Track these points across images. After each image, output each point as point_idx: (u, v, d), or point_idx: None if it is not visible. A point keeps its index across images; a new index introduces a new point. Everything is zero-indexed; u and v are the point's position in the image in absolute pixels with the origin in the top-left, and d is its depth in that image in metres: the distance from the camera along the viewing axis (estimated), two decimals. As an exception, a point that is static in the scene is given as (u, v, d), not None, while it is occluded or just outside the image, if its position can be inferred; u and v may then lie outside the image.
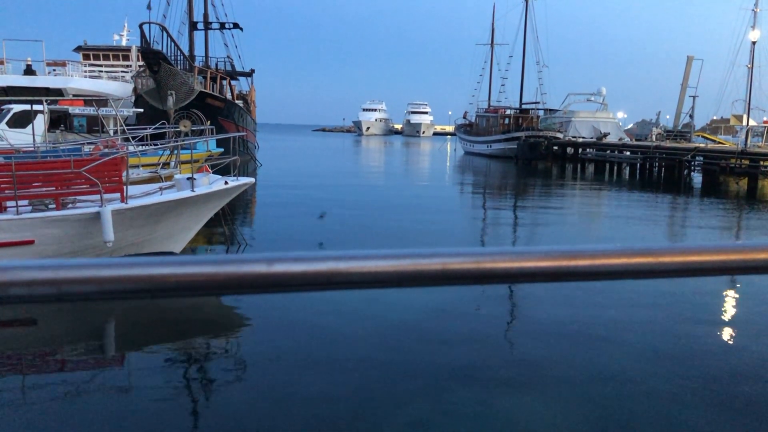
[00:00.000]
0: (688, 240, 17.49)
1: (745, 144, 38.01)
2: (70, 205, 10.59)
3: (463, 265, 0.78)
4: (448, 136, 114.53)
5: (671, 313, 9.71)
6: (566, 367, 7.38)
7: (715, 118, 74.55)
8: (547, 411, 6.26)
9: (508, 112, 65.67)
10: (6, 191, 9.84)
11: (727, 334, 9.28)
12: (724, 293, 11.26)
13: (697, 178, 36.70)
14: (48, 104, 20.51)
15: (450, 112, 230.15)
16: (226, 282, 0.71)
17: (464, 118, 79.80)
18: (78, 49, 47.00)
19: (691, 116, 65.75)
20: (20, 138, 18.33)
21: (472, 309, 9.69)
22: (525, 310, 10.10)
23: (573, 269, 0.81)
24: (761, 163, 31.37)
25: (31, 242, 9.78)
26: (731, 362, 7.77)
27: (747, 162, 32.16)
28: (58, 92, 33.21)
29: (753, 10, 53.12)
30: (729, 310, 10.48)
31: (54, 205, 10.24)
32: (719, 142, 53.34)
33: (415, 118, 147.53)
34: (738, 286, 11.58)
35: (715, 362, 7.74)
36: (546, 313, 9.49)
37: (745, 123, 46.28)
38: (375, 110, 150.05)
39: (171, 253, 11.31)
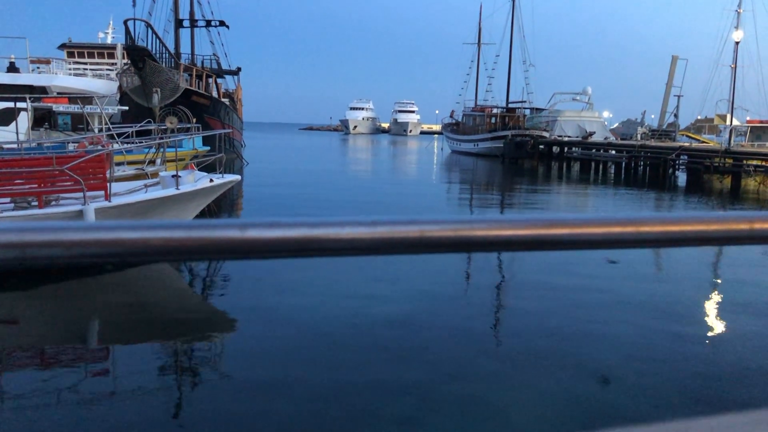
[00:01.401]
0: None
1: (729, 143, 38.41)
2: (53, 203, 10.46)
3: (441, 233, 0.76)
4: (435, 135, 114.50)
5: (653, 288, 9.81)
6: (549, 355, 7.40)
7: (699, 117, 75.07)
8: (533, 403, 6.27)
9: (494, 111, 65.85)
10: (-13, 188, 9.71)
11: (706, 306, 9.43)
12: (705, 264, 11.37)
13: (681, 177, 37.02)
14: (32, 102, 20.26)
15: (437, 111, 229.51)
16: (198, 247, 0.68)
17: (451, 117, 79.90)
18: (62, 46, 46.46)
19: (675, 116, 66.31)
20: (3, 136, 18.10)
21: (456, 295, 9.70)
22: (509, 298, 10.11)
23: (553, 238, 0.80)
24: (744, 161, 31.70)
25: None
26: (712, 339, 7.85)
27: (730, 161, 32.50)
28: (42, 90, 32.77)
29: (737, 11, 53.62)
30: (709, 281, 10.60)
31: (36, 203, 10.12)
32: (703, 142, 53.78)
33: (402, 117, 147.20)
34: (718, 256, 11.73)
35: (696, 339, 7.81)
36: (530, 299, 9.51)
37: (728, 122, 46.73)
38: (362, 109, 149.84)
39: None
